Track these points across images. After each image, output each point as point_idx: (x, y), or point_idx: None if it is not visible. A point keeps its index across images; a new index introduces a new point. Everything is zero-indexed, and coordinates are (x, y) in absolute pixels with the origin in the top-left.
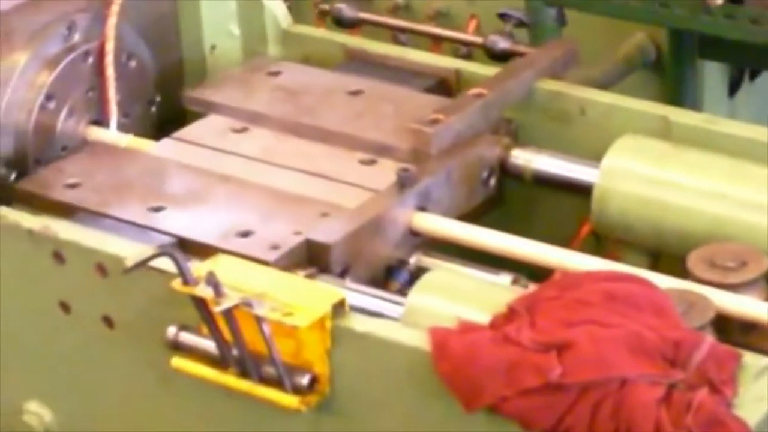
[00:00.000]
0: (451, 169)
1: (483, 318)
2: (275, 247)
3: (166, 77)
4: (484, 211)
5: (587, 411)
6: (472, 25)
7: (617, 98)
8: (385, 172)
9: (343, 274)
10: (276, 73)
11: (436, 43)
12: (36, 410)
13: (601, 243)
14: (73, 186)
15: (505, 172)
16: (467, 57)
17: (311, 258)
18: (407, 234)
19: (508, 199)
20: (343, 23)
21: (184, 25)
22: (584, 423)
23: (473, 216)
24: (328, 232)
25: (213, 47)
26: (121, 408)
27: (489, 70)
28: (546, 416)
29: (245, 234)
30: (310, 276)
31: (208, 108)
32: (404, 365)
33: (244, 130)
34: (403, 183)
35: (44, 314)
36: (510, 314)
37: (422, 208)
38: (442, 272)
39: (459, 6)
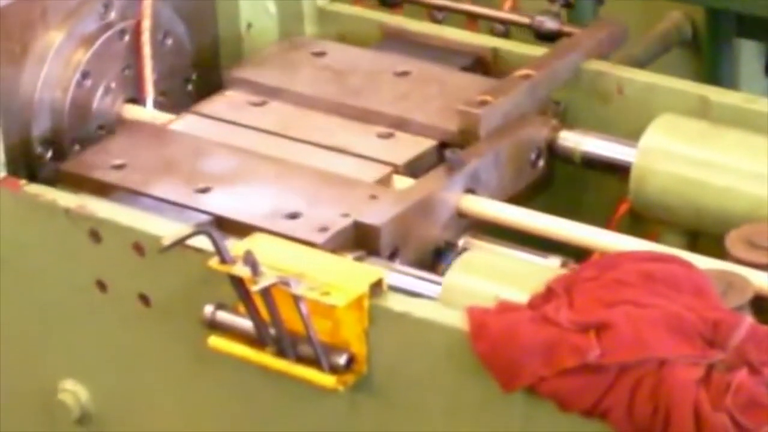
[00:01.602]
0: (499, 151)
1: (521, 298)
2: (323, 229)
3: (202, 55)
4: (532, 193)
5: (625, 392)
6: (509, 2)
7: (655, 77)
8: (404, 145)
9: (392, 257)
10: (320, 54)
11: (472, 20)
12: (71, 388)
13: (638, 223)
14: (118, 167)
15: (554, 153)
16: (504, 35)
17: (359, 240)
18: (455, 216)
19: (555, 181)
20: (386, 2)
21: (221, 3)
22: (622, 404)
23: (521, 198)
24: (377, 214)
25: (249, 25)
26: (157, 387)
27: (527, 48)
28: (584, 397)
29: (293, 216)
30: (358, 259)
31: (250, 88)
32: (442, 345)
33: (262, 103)
34: (451, 165)
35: (80, 293)
36: (548, 294)
37: (470, 191)
38: (480, 251)
39: None
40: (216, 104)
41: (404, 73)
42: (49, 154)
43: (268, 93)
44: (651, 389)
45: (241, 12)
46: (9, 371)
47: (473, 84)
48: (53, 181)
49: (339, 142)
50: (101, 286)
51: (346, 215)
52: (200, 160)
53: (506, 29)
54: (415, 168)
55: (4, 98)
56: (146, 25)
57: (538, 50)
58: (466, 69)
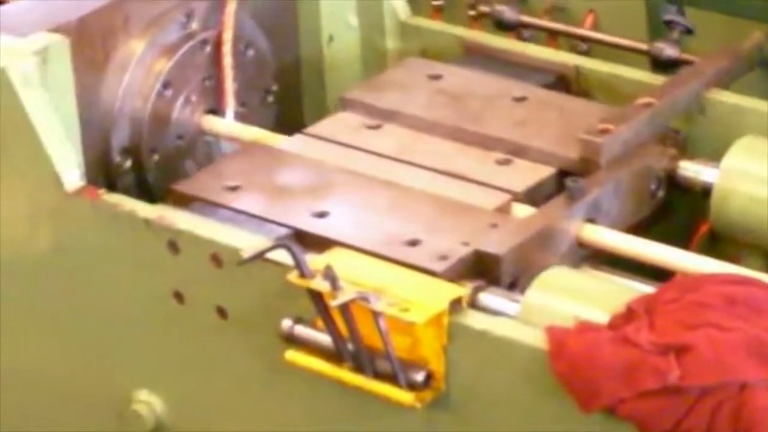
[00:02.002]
0: (619, 181)
1: (601, 318)
2: (443, 257)
3: (283, 67)
4: (652, 223)
5: (706, 415)
6: (589, 20)
7: (738, 98)
8: (522, 172)
9: (511, 286)
10: (437, 77)
11: (552, 37)
12: (146, 399)
13: (719, 244)
14: (232, 189)
15: (674, 183)
16: (586, 53)
17: (479, 269)
18: (575, 246)
19: (675, 211)
20: (503, 26)
21: (303, 15)
22: (702, 427)
23: (640, 228)
24: (498, 243)
25: (330, 38)
26: (232, 399)
27: (609, 67)
28: (664, 419)
29: (412, 243)
30: (478, 288)
31: (366, 111)
32: (520, 364)
33: (377, 126)
34: (572, 194)
35: (158, 303)
36: (629, 315)
37: (590, 220)
38: (561, 270)
39: (576, 0)
40: (330, 126)
41: (522, 99)
42: (128, 163)
43: (384, 116)
44: (732, 413)
45: (323, 24)
46: (85, 380)
47: (592, 111)
48: (131, 190)
49: (457, 167)
50: (179, 297)
51: (466, 244)
52: (316, 184)
53: (588, 47)
54: (533, 196)
55: (84, 107)
56: (228, 36)
57: (621, 69)
58: (548, 86)
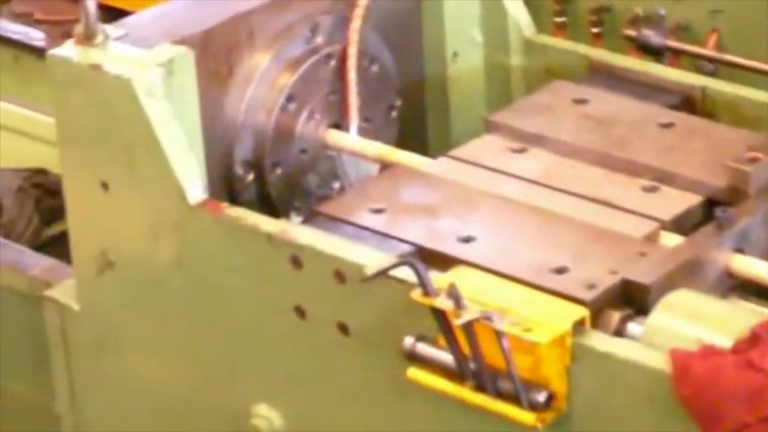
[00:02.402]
0: None
1: (725, 342)
2: (591, 286)
3: (407, 82)
4: None
5: None
6: (713, 39)
7: None
8: (670, 200)
9: None
10: (582, 101)
11: (675, 57)
12: (265, 413)
13: None
14: (377, 211)
15: None
16: (713, 74)
17: (628, 298)
18: (723, 276)
19: None
20: (649, 50)
21: (427, 31)
22: None
23: None
24: (647, 273)
25: (455, 54)
26: (352, 416)
27: (736, 88)
28: None
29: (560, 271)
30: (626, 317)
31: (510, 134)
32: (643, 386)
33: (522, 150)
34: (721, 223)
35: (279, 318)
36: (753, 339)
37: (739, 250)
38: (686, 293)
39: (700, 20)
40: (475, 149)
41: (668, 125)
42: (251, 176)
43: (529, 139)
44: None
45: (447, 41)
46: (204, 394)
47: (739, 138)
48: (253, 203)
49: (603, 194)
50: (300, 312)
51: (614, 272)
52: (463, 208)
53: (715, 68)
54: (681, 224)
55: (208, 119)
56: (353, 50)
57: (747, 91)
58: (673, 107)
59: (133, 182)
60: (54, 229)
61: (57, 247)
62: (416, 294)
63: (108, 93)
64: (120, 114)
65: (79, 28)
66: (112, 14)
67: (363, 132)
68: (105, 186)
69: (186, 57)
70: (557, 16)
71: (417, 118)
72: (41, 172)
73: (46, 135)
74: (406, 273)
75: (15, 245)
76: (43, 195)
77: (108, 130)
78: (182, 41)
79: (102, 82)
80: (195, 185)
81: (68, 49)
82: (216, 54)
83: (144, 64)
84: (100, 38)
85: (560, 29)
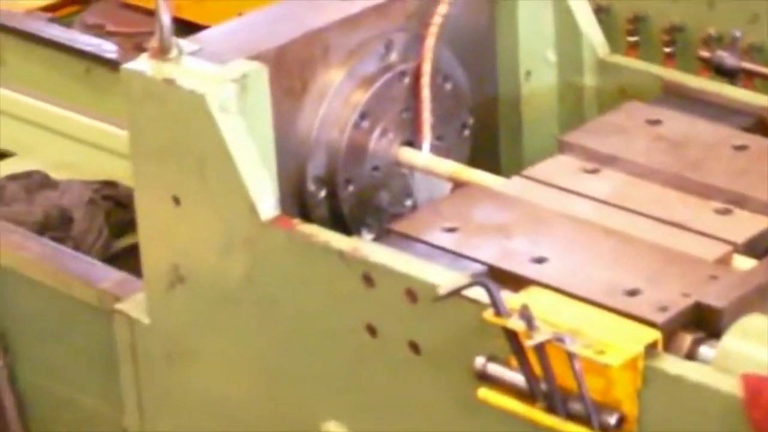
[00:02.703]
0: None
1: None
2: (663, 308)
3: (480, 101)
4: None
5: None
6: None
7: None
8: (743, 223)
9: None
10: (656, 122)
11: (748, 78)
12: (335, 431)
13: None
14: (450, 230)
15: None
16: None
17: (700, 322)
18: None
19: None
20: (723, 71)
21: (501, 50)
22: None
23: None
24: (720, 296)
25: (528, 73)
26: None
27: None
28: None
29: (632, 293)
30: (698, 341)
31: (584, 155)
32: (715, 410)
33: (595, 171)
34: None
35: (350, 336)
36: None
37: None
38: (759, 317)
39: None
40: (548, 169)
41: (742, 147)
42: (323, 193)
43: (602, 160)
44: None
45: (521, 59)
46: (274, 410)
47: None
48: (325, 220)
49: (676, 216)
50: (371, 330)
51: (686, 295)
52: (536, 228)
53: None
54: (754, 247)
55: (281, 135)
56: (427, 68)
57: None
58: (746, 129)
59: (205, 197)
60: (124, 242)
61: (127, 259)
62: (488, 314)
63: (181, 108)
64: (193, 129)
65: (153, 42)
66: (186, 28)
67: (435, 150)
68: (177, 200)
69: (260, 73)
70: (630, 36)
71: (489, 137)
72: (111, 184)
73: (116, 147)
74: (478, 293)
75: (85, 257)
76: (114, 207)
77: (181, 144)
78: (256, 57)
79: (175, 97)
80: (267, 201)
81: (142, 63)
82: (290, 70)
83: (218, 80)
84: (174, 53)
85: (633, 49)
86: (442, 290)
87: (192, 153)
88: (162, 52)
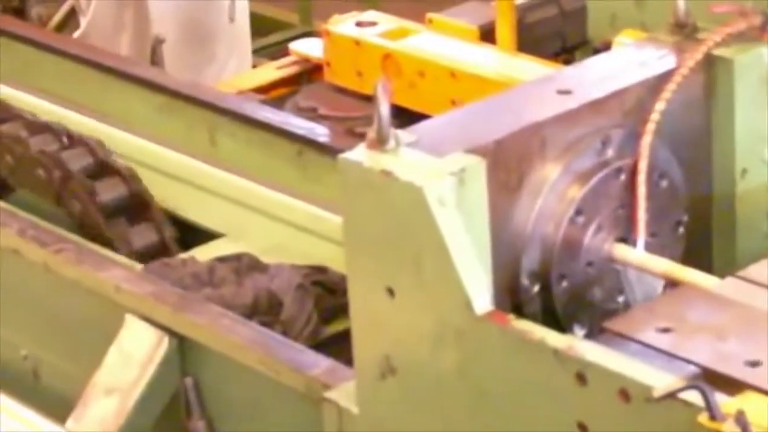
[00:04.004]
0: None
1: None
2: None
3: (695, 199)
4: None
5: None
6: None
7: None
8: None
9: None
10: None
11: None
12: None
13: None
14: (665, 330)
15: None
16: None
17: None
18: None
19: None
20: None
21: (717, 147)
22: None
23: None
24: None
25: (744, 171)
26: None
27: None
28: None
29: None
30: None
31: None
32: None
33: None
34: None
35: None
36: None
37: None
38: None
39: None
40: (764, 270)
41: None
42: (536, 288)
43: None
44: None
45: (737, 157)
46: None
47: None
48: (536, 315)
49: None
50: (582, 429)
51: None
52: (751, 331)
53: None
54: None
55: (496, 229)
56: (643, 165)
57: None
58: None
59: (420, 289)
60: (333, 328)
61: (335, 346)
62: (703, 418)
63: (398, 200)
64: (410, 221)
65: (371, 133)
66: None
67: (649, 247)
68: (391, 292)
69: (478, 166)
70: None
71: (702, 235)
72: (321, 269)
73: (327, 231)
74: (692, 396)
75: (294, 344)
76: (323, 293)
77: (397, 236)
78: (474, 150)
79: (393, 189)
80: (482, 295)
81: (360, 153)
82: (507, 164)
83: (436, 173)
84: (392, 144)
85: None
86: (657, 392)
87: (408, 245)
88: (380, 143)
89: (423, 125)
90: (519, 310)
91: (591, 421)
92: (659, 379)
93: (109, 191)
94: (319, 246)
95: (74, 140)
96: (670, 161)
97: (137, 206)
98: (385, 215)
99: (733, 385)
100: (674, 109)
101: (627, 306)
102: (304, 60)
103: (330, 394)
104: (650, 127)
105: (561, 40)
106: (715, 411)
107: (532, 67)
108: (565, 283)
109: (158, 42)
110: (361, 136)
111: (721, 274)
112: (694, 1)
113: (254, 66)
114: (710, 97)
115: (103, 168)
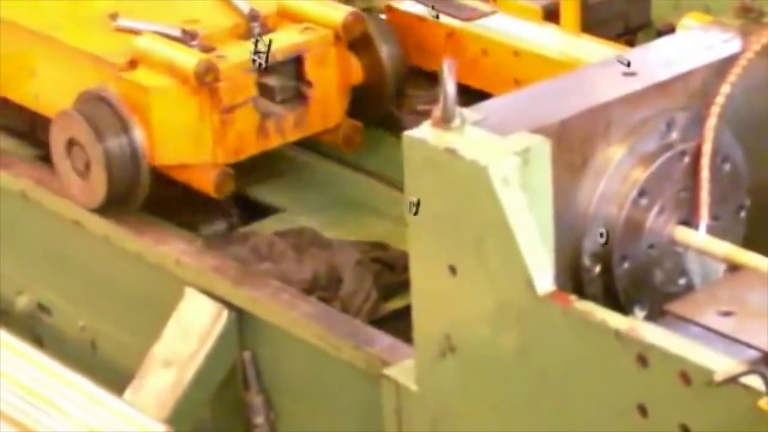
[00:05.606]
0: None
1: None
2: None
3: (757, 183)
4: None
5: None
6: None
7: None
8: None
9: None
10: None
11: None
12: None
13: None
14: (726, 314)
15: None
16: None
17: None
18: None
19: None
20: None
21: None
22: None
23: None
24: None
25: None
26: None
27: None
28: None
29: None
30: None
31: None
32: None
33: None
34: None
35: (621, 415)
36: None
37: None
38: None
39: None
40: None
41: None
42: (597, 269)
43: None
44: None
45: None
46: None
47: None
48: (598, 296)
49: None
50: (642, 411)
51: None
52: None
53: None
54: None
55: (559, 209)
56: (707, 148)
57: None
58: None
59: (482, 268)
60: (391, 305)
61: (393, 323)
62: (764, 403)
63: (462, 178)
64: (473, 200)
65: (436, 111)
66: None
67: (710, 230)
68: (453, 270)
69: (543, 146)
70: None
71: (764, 220)
72: (381, 246)
73: (389, 209)
74: (753, 380)
75: (354, 320)
76: (382, 270)
77: (460, 214)
78: (539, 130)
79: (457, 167)
80: (544, 276)
81: (424, 131)
82: (571, 144)
83: (500, 152)
84: (457, 122)
85: None
86: (719, 376)
87: (471, 224)
88: (445, 121)
89: (488, 104)
90: (580, 291)
91: (651, 403)
92: (720, 363)
93: None
94: (380, 223)
95: None
96: (733, 145)
97: None
98: (449, 193)
99: None
100: (738, 93)
101: (688, 289)
102: None
103: (389, 371)
104: (714, 110)
105: (624, 21)
106: None
107: (595, 48)
108: (626, 265)
109: None
110: (423, 114)
111: None
112: None
113: None
114: None
115: None
